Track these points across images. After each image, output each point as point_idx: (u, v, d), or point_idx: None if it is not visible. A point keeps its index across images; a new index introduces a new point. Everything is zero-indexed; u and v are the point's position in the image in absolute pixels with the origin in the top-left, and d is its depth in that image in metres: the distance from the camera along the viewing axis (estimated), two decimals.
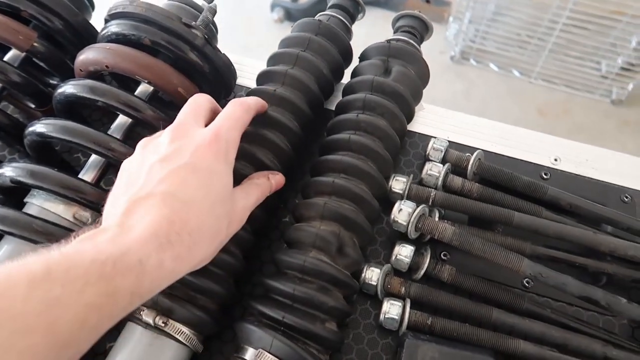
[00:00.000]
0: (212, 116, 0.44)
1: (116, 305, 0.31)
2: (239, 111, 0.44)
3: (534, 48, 1.82)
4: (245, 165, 0.49)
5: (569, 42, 1.73)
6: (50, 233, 0.43)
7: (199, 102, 0.44)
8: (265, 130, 0.50)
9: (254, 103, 0.47)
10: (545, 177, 0.59)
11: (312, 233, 0.47)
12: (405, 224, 0.50)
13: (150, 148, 0.41)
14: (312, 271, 0.46)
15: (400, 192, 0.54)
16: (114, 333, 0.46)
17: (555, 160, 0.59)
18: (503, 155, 0.60)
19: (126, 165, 0.41)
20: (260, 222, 0.51)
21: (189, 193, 0.37)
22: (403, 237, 0.53)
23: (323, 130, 0.57)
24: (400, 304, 0.50)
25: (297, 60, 0.55)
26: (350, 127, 0.53)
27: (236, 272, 0.49)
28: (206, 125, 0.42)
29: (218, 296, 0.47)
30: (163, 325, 0.44)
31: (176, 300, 0.45)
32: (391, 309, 0.49)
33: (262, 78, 0.56)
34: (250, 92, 0.53)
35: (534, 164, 0.59)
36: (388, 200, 0.54)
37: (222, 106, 0.45)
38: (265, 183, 0.47)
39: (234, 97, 0.62)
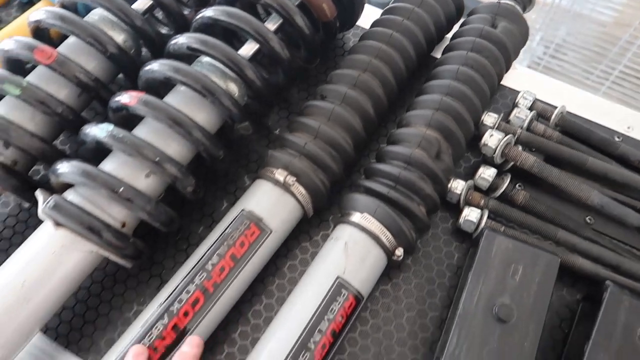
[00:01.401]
0: None
1: None
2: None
3: (599, 74, 1.87)
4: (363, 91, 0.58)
5: (636, 72, 1.78)
6: (212, 92, 0.53)
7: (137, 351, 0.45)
8: (391, 50, 0.60)
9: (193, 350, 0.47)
10: (617, 139, 0.66)
11: (419, 134, 0.56)
12: (494, 147, 0.59)
13: None
14: (417, 162, 0.55)
15: (491, 125, 0.63)
16: None
17: (629, 127, 0.67)
18: (582, 117, 0.68)
19: None
20: (361, 139, 0.60)
21: None
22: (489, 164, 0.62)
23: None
24: (479, 211, 0.58)
25: (422, 4, 0.65)
26: (459, 61, 0.62)
27: (348, 158, 0.58)
28: None
29: (333, 174, 0.57)
30: (291, 184, 0.54)
31: (303, 167, 0.55)
32: (471, 214, 0.58)
33: (378, 24, 0.66)
34: (367, 33, 0.63)
35: (609, 128, 0.67)
36: (479, 132, 0.63)
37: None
38: None
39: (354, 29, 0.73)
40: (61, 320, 0.56)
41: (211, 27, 0.59)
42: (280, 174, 0.54)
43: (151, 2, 0.62)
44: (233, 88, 0.57)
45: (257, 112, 0.61)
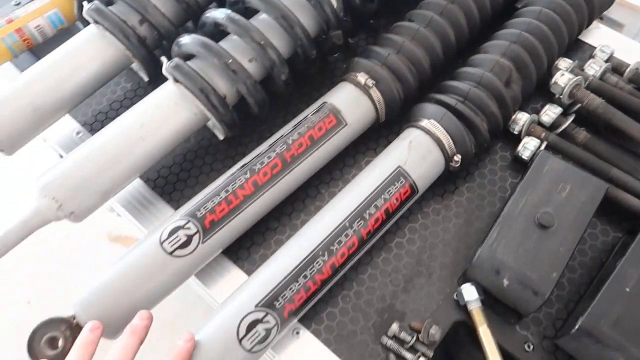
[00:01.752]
0: None
1: None
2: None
3: None
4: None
5: None
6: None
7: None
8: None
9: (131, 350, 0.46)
10: None
11: (493, 60, 0.62)
12: (563, 86, 0.63)
13: None
14: (487, 83, 0.60)
15: (564, 69, 0.66)
16: None
17: None
18: None
19: None
20: (439, 61, 0.66)
21: None
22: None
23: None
24: (538, 141, 0.63)
25: None
26: (544, 4, 0.66)
27: (424, 77, 0.64)
28: None
29: (408, 87, 0.63)
30: (370, 86, 0.61)
31: (383, 75, 0.61)
32: (530, 142, 0.62)
33: None
34: None
35: None
36: (551, 75, 0.67)
37: None
38: None
39: None
40: (159, 174, 0.66)
41: None
42: (362, 77, 0.62)
43: None
44: (333, 0, 0.65)
45: (348, 30, 0.68)
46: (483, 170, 0.65)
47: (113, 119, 0.60)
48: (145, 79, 0.70)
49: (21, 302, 1.56)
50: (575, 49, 0.73)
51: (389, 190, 0.56)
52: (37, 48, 0.73)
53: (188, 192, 0.65)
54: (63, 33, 0.74)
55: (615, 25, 2.05)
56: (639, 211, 0.58)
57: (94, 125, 0.70)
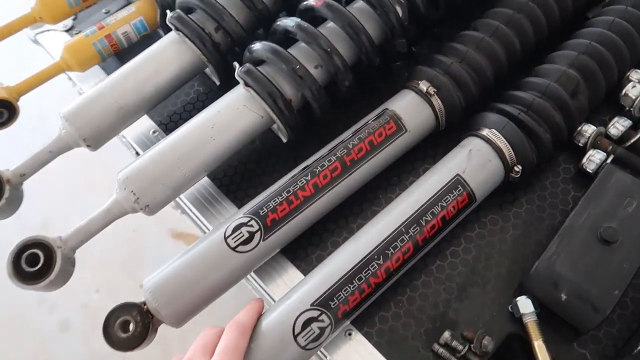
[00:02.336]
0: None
1: None
2: (234, 339, 0.49)
3: None
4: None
5: None
6: (382, 5, 0.63)
7: (205, 338, 0.50)
8: (534, 6, 0.65)
9: (249, 320, 0.51)
10: None
11: (560, 70, 0.61)
12: (634, 98, 0.61)
13: None
14: (552, 94, 0.59)
15: (636, 81, 0.64)
16: None
17: None
18: None
19: None
20: (503, 71, 0.65)
21: None
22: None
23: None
24: (604, 154, 0.61)
25: None
26: (616, 14, 0.64)
27: (486, 86, 0.64)
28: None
29: (470, 95, 0.63)
30: (431, 94, 0.62)
31: (445, 83, 0.62)
32: (595, 155, 0.61)
33: None
34: None
35: None
36: (621, 87, 0.65)
37: None
38: None
39: None
40: (225, 173, 0.70)
41: None
42: (424, 85, 0.63)
43: None
44: (398, 9, 0.67)
45: (412, 38, 0.69)
46: (544, 182, 0.64)
47: (186, 119, 0.65)
48: (217, 82, 0.75)
49: (91, 290, 1.68)
50: None
51: (447, 198, 0.56)
52: (122, 52, 0.79)
53: (251, 191, 0.68)
54: (145, 39, 0.80)
55: None
56: None
57: (168, 125, 0.75)
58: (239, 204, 0.67)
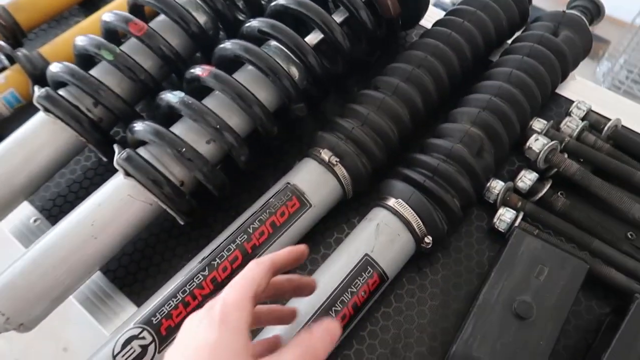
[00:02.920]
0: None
1: None
2: (250, 275, 0.38)
3: None
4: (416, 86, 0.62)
5: None
6: (274, 72, 0.58)
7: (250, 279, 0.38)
8: (447, 48, 0.63)
9: (276, 260, 0.41)
10: None
11: (462, 130, 0.58)
12: (538, 151, 0.60)
13: (195, 322, 0.37)
14: (456, 157, 0.57)
15: (539, 131, 0.63)
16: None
17: None
18: (636, 132, 0.67)
19: (187, 325, 0.38)
20: (407, 131, 0.63)
21: None
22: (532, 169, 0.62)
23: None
24: (514, 212, 0.59)
25: (484, 7, 0.67)
26: (514, 65, 0.63)
27: (392, 147, 0.61)
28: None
29: (376, 160, 0.60)
30: (334, 164, 0.58)
31: (348, 150, 0.58)
32: (506, 214, 0.59)
33: (439, 23, 0.68)
34: (427, 31, 0.66)
35: None
36: (525, 137, 0.63)
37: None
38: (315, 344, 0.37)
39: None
40: (120, 264, 0.63)
41: (282, 14, 0.64)
42: (325, 154, 0.59)
43: None
44: (294, 71, 0.62)
45: (314, 97, 0.65)
46: (459, 244, 0.61)
47: (72, 202, 0.57)
48: (104, 159, 0.67)
49: None
50: (552, 104, 0.70)
51: (356, 283, 0.52)
52: None
53: (150, 283, 0.61)
54: (20, 111, 0.71)
55: (602, 41, 2.03)
56: (624, 287, 0.54)
57: (52, 211, 0.67)
58: (136, 299, 0.60)
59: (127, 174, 0.54)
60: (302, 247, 0.44)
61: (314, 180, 0.59)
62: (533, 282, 0.51)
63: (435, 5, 2.35)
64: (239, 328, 0.35)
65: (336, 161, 0.58)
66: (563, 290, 0.51)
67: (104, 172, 0.70)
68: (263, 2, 0.71)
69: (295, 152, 0.69)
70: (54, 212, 0.67)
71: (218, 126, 0.56)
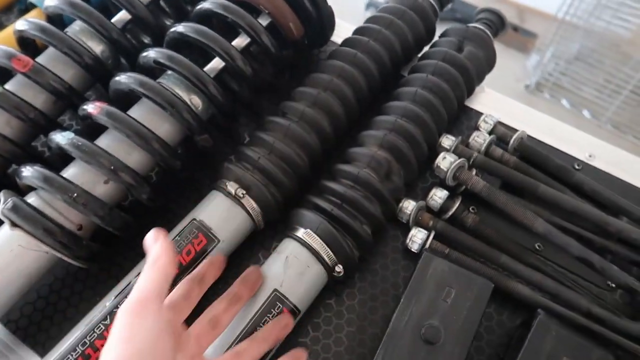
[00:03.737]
0: None
1: None
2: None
3: (609, 93, 1.84)
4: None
5: None
6: (172, 105, 0.56)
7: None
8: (354, 69, 0.62)
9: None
10: (577, 167, 0.67)
11: (369, 155, 0.58)
12: (445, 170, 0.60)
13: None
14: (363, 182, 0.56)
15: (447, 147, 0.64)
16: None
17: (590, 156, 0.67)
18: (544, 143, 0.68)
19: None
20: (317, 156, 0.62)
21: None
22: (443, 186, 0.63)
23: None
24: (425, 232, 0.60)
25: (390, 25, 0.67)
26: (419, 84, 0.63)
27: (302, 174, 0.60)
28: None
29: (285, 189, 0.59)
30: (241, 196, 0.57)
31: (255, 181, 0.57)
32: (417, 234, 0.59)
33: (345, 43, 0.67)
34: (333, 52, 0.65)
35: (570, 155, 0.67)
36: (436, 154, 0.64)
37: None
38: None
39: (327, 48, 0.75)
40: (22, 314, 0.59)
41: (181, 43, 0.62)
42: (231, 186, 0.57)
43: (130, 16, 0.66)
44: (197, 102, 0.60)
45: (221, 125, 0.63)
46: (374, 267, 0.61)
47: None
48: None
49: None
50: (463, 117, 0.71)
51: (266, 320, 0.51)
52: None
53: (55, 331, 0.58)
54: None
55: (530, 35, 2.10)
56: (530, 300, 0.56)
57: None
58: (41, 350, 0.57)
59: (14, 224, 0.51)
60: (220, 257, 0.54)
61: (221, 214, 0.57)
62: (441, 305, 0.52)
63: (368, 5, 2.38)
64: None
65: (242, 193, 0.57)
66: (469, 311, 0.51)
67: None
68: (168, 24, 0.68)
69: (209, 182, 0.67)
70: None
71: (112, 167, 0.53)
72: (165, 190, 0.62)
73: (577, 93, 1.93)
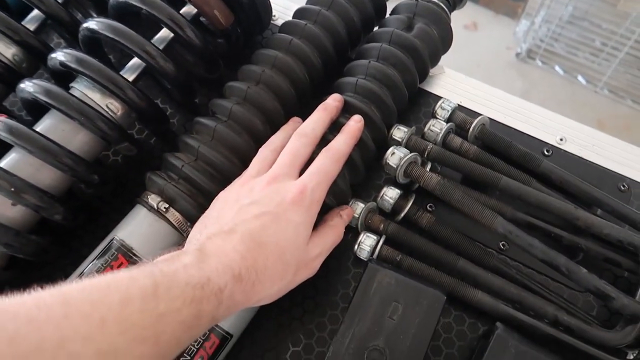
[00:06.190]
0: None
1: (200, 326, 0.35)
2: (328, 165, 0.48)
3: (605, 57, 1.75)
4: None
5: None
6: (82, 112, 0.50)
7: (295, 153, 0.48)
8: (289, 58, 0.56)
9: (345, 149, 0.50)
10: (547, 153, 0.60)
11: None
12: (395, 167, 0.54)
13: (246, 188, 0.47)
14: None
15: (400, 140, 0.57)
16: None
17: (561, 140, 0.60)
18: (510, 127, 0.62)
19: (222, 196, 0.48)
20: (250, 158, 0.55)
21: (264, 237, 0.42)
22: (396, 184, 0.57)
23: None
24: (375, 237, 0.54)
25: (332, 5, 0.60)
26: (361, 72, 0.56)
27: (227, 176, 0.54)
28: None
29: (211, 197, 0.53)
30: (164, 210, 0.51)
31: (180, 192, 0.51)
32: (366, 240, 0.54)
33: (281, 29, 0.60)
34: (267, 40, 0.59)
35: (539, 140, 0.61)
36: (388, 147, 0.58)
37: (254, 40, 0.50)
38: (339, 222, 0.51)
39: (269, 34, 0.68)
40: None
41: (95, 41, 0.56)
42: (153, 200, 0.51)
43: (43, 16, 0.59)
44: (115, 107, 0.54)
45: (152, 130, 0.58)
46: (325, 278, 0.55)
47: None
48: None
49: None
50: (421, 101, 0.64)
51: (190, 350, 0.46)
52: None
53: None
54: None
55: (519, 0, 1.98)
56: (490, 310, 0.50)
57: None
58: None
59: None
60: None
61: (143, 231, 0.51)
62: (387, 324, 0.46)
63: None
64: (312, 212, 0.46)
65: (165, 207, 0.51)
66: (419, 329, 0.46)
67: None
68: None
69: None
70: None
71: (12, 189, 0.47)
72: (90, 207, 0.56)
73: (570, 58, 1.83)
